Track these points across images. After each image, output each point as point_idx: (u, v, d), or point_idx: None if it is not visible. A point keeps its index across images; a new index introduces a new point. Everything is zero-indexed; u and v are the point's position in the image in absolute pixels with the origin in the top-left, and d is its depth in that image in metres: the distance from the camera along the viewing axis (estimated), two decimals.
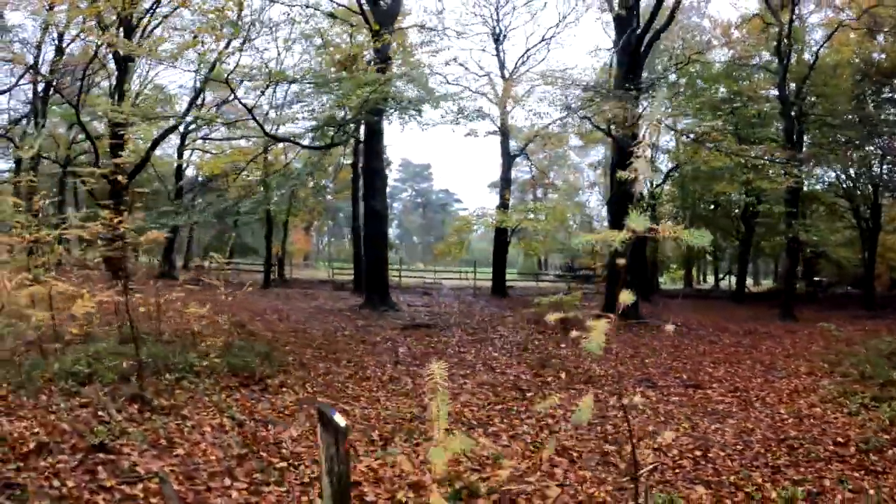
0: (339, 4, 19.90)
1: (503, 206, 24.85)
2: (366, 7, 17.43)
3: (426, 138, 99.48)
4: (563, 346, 12.15)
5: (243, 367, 8.18)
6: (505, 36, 26.87)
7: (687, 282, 36.91)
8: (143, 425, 5.65)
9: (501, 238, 25.40)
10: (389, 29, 17.06)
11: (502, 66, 26.88)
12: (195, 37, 16.82)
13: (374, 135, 18.22)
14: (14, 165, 32.96)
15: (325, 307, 17.99)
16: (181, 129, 28.52)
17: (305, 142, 19.96)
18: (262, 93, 18.28)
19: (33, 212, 7.60)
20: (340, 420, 2.79)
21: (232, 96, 26.68)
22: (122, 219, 6.91)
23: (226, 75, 17.16)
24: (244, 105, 18.11)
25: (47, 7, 20.96)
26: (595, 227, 31.60)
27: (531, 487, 4.88)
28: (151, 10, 21.40)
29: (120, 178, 9.71)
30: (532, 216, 23.28)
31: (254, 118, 17.62)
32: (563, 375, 9.56)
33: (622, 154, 16.01)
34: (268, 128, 25.39)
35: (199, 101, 26.44)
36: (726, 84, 24.93)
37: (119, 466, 4.64)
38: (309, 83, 17.32)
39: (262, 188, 31.84)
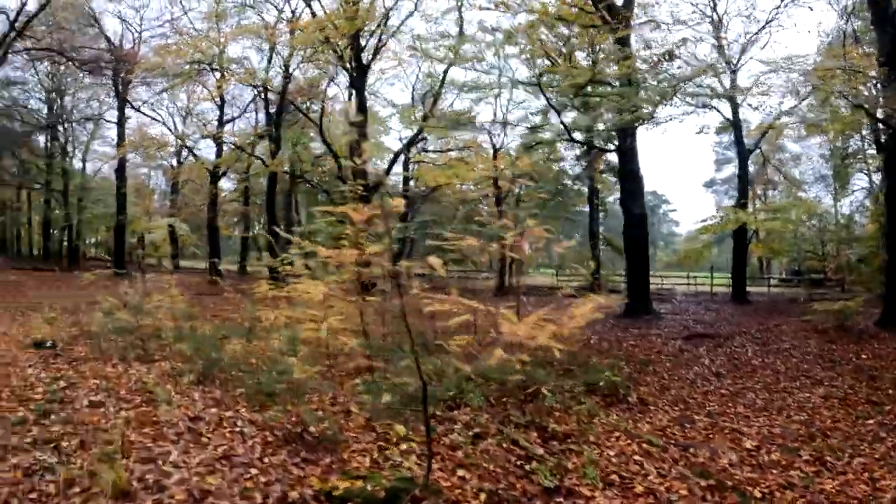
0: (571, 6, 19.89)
1: (742, 205, 23.80)
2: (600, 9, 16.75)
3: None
4: (863, 356, 12.08)
5: (595, 382, 8.02)
6: (726, 26, 25.65)
7: None
8: (573, 459, 5.44)
9: (741, 240, 24.21)
10: (623, 28, 16.72)
11: (724, 55, 25.71)
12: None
13: (629, 138, 17.83)
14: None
15: None
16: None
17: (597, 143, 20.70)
18: (573, 97, 19.00)
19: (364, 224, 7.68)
20: None
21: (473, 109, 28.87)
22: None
23: (536, 81, 18.43)
24: (554, 108, 19.19)
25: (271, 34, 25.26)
26: (827, 226, 29.64)
27: None
28: (383, 22, 24.11)
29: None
30: (774, 215, 22.09)
31: (563, 124, 18.88)
32: None
33: None
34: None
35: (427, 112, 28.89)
36: None
37: None
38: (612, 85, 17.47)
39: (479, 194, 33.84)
